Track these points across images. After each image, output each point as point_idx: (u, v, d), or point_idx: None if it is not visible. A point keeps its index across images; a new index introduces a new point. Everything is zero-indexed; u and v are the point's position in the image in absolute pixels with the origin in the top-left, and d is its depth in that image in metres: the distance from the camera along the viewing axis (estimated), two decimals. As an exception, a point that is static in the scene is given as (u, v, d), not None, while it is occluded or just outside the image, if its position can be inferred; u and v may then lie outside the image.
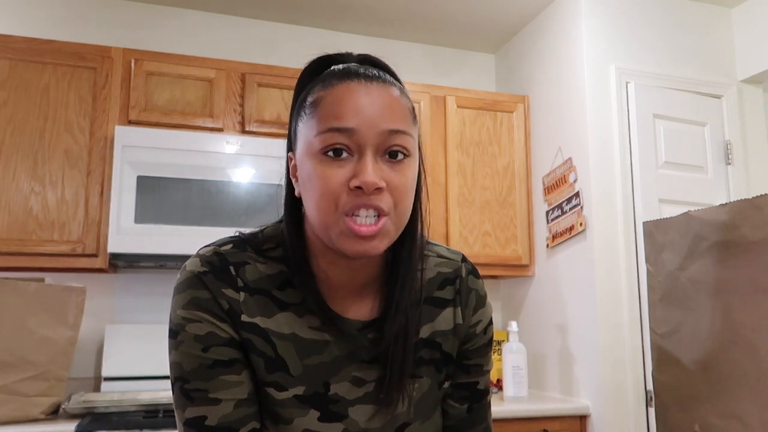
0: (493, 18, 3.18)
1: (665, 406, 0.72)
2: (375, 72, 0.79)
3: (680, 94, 2.84)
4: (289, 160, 0.85)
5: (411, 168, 0.78)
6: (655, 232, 0.75)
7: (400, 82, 0.83)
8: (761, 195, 0.65)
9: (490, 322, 0.96)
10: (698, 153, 2.82)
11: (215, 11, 3.10)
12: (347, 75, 0.78)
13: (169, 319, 0.82)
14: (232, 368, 0.80)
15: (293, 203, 0.84)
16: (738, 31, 3.02)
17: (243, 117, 2.70)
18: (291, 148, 0.84)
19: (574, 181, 2.75)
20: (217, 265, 0.82)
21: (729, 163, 2.87)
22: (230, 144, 2.56)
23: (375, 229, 0.74)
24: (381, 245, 0.76)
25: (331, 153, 0.74)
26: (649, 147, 2.71)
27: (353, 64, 0.81)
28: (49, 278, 2.51)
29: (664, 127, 2.76)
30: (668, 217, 0.74)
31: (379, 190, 0.74)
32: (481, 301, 0.94)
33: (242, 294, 0.82)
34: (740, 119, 2.94)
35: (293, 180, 0.83)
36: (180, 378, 0.80)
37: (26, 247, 2.37)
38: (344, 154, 0.74)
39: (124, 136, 2.45)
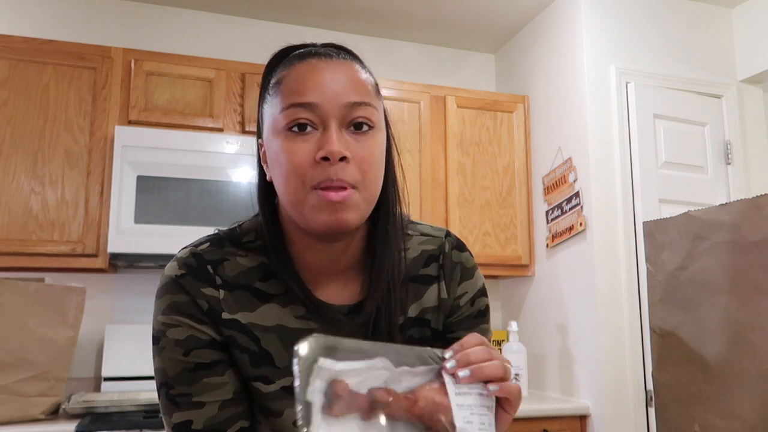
0: (493, 18, 3.18)
1: (665, 406, 0.72)
2: (335, 51, 0.81)
3: (680, 94, 2.84)
4: (259, 147, 0.85)
5: (376, 140, 0.79)
6: (655, 232, 0.75)
7: (363, 65, 0.84)
8: (761, 195, 0.65)
9: (479, 294, 0.93)
10: (698, 153, 2.82)
11: (215, 11, 3.10)
12: (308, 54, 0.79)
13: (152, 327, 0.82)
14: (213, 370, 0.79)
15: (267, 189, 0.85)
16: (738, 31, 3.02)
17: (243, 117, 2.70)
18: (260, 134, 0.85)
19: (574, 181, 2.75)
20: (194, 266, 0.82)
21: (729, 163, 2.87)
22: (230, 144, 2.56)
23: (344, 195, 0.74)
24: (351, 217, 0.75)
25: (295, 128, 0.75)
26: (649, 147, 2.72)
27: (315, 47, 0.83)
28: (49, 278, 2.51)
29: (664, 127, 2.76)
30: (668, 217, 0.74)
31: (344, 160, 0.74)
32: (467, 273, 0.92)
33: (222, 291, 0.81)
34: (740, 119, 2.94)
35: (264, 166, 0.84)
36: (165, 384, 0.80)
37: (26, 247, 2.37)
38: (308, 129, 0.75)
39: (124, 136, 2.45)
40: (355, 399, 0.63)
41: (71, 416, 2.23)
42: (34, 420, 2.15)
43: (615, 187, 2.67)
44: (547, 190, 2.94)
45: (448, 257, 0.92)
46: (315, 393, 0.62)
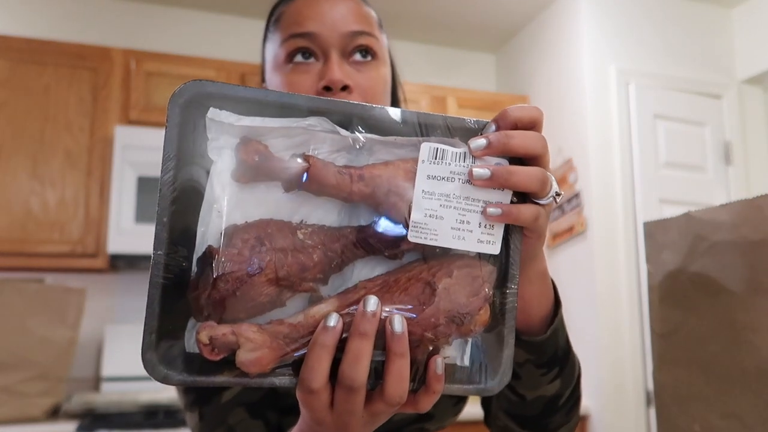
0: (494, 18, 3.18)
1: (665, 406, 0.72)
2: None
3: (680, 94, 2.84)
4: None
5: (380, 72, 0.76)
6: (655, 232, 0.75)
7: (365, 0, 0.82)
8: (761, 195, 0.65)
9: None
10: (698, 153, 2.82)
11: (215, 11, 3.10)
12: None
13: None
14: None
15: None
16: (738, 31, 3.02)
17: (243, 117, 2.70)
18: (263, 79, 0.83)
19: (575, 182, 2.75)
20: None
21: (729, 163, 2.87)
22: (230, 144, 2.56)
23: None
24: None
25: (298, 57, 0.73)
26: (649, 147, 2.72)
27: None
28: (49, 278, 2.51)
29: (665, 128, 2.76)
30: (669, 217, 0.74)
31: (347, 89, 0.72)
32: None
33: None
34: (740, 119, 2.94)
35: None
36: None
37: (26, 247, 2.37)
38: (310, 59, 0.73)
39: (124, 136, 2.45)
40: (270, 164, 0.45)
41: (71, 416, 2.22)
42: (34, 420, 2.15)
43: (615, 188, 2.67)
44: (547, 190, 2.94)
45: None
46: (221, 150, 0.45)
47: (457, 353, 0.48)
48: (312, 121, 0.46)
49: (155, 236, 0.44)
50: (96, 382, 2.66)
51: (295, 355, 0.44)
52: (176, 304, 0.44)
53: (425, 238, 0.45)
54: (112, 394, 2.39)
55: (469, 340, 0.48)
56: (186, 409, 0.74)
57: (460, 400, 0.81)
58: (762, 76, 2.94)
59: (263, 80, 0.85)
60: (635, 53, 2.84)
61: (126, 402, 2.28)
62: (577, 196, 2.73)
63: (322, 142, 0.46)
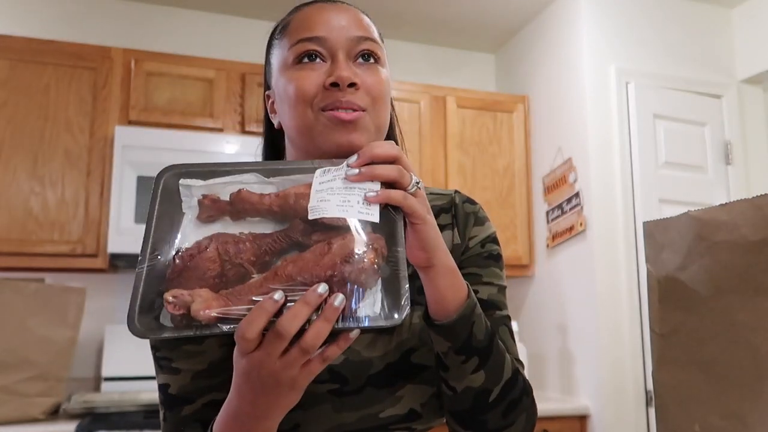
0: (493, 18, 3.18)
1: (665, 406, 0.72)
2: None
3: (680, 94, 2.84)
4: (266, 99, 0.87)
5: (383, 75, 0.80)
6: (655, 232, 0.75)
7: (367, 16, 0.86)
8: (761, 195, 0.65)
9: (490, 240, 0.89)
10: (698, 153, 2.82)
11: (215, 11, 3.10)
12: (315, 0, 0.83)
13: None
14: (192, 338, 0.78)
15: (273, 146, 0.89)
16: (738, 31, 3.02)
17: (243, 117, 2.70)
18: (267, 87, 0.86)
19: (574, 181, 2.75)
20: None
21: (729, 163, 2.87)
22: (230, 144, 2.56)
23: (355, 116, 0.75)
24: (362, 139, 0.75)
25: (305, 59, 0.78)
26: (649, 147, 2.72)
27: None
28: (49, 278, 2.51)
29: (664, 127, 2.76)
30: (668, 217, 0.74)
31: (354, 86, 0.75)
32: (479, 221, 0.90)
33: None
34: (740, 119, 2.94)
35: (271, 116, 0.86)
36: (153, 346, 0.81)
37: (26, 247, 2.37)
38: (317, 60, 0.77)
39: (124, 136, 2.45)
40: (218, 204, 0.67)
41: (71, 416, 2.23)
42: (34, 420, 2.15)
43: (615, 187, 2.67)
44: (547, 190, 2.94)
45: (460, 209, 0.90)
46: (191, 208, 0.68)
47: (371, 310, 0.60)
48: (246, 176, 0.69)
49: (141, 247, 0.64)
50: (96, 382, 2.66)
51: (237, 312, 0.59)
52: (154, 287, 0.61)
53: (319, 213, 0.63)
54: (112, 394, 2.39)
55: (377, 298, 0.61)
56: None
57: None
58: (762, 76, 2.94)
59: (267, 86, 0.87)
60: (635, 53, 2.84)
61: (126, 402, 2.28)
62: (576, 195, 2.73)
63: (249, 187, 0.69)
